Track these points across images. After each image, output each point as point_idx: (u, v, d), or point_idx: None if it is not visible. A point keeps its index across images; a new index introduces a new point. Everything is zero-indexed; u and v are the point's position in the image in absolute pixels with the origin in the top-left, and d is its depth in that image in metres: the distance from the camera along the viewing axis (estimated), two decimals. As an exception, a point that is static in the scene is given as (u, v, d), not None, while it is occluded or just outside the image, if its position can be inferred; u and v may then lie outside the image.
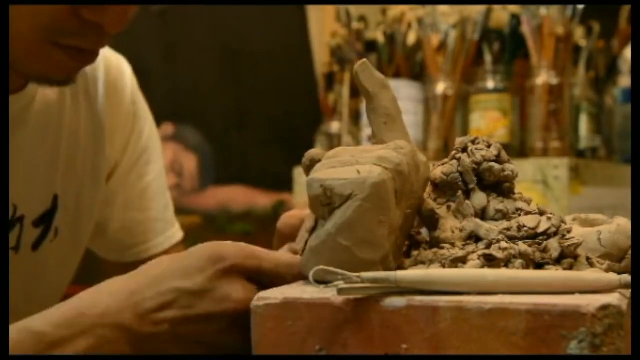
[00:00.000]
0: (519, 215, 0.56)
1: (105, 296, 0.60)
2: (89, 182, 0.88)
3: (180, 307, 0.59)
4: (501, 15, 1.61)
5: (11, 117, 0.74)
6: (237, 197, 2.20)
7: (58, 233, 0.84)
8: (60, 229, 0.84)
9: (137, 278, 0.61)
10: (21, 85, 0.77)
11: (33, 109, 0.79)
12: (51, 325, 0.58)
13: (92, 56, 0.71)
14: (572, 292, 0.49)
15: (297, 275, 0.59)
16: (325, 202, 0.52)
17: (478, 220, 0.55)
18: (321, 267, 0.51)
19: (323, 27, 2.32)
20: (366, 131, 1.65)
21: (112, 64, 0.94)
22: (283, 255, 0.62)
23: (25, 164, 0.79)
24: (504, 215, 0.56)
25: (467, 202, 0.57)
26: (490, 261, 0.51)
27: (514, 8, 1.59)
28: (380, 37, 1.76)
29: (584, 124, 1.62)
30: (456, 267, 0.52)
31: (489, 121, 1.51)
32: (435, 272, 0.50)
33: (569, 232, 0.55)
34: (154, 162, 0.98)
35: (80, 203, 0.87)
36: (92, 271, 0.98)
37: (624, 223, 0.59)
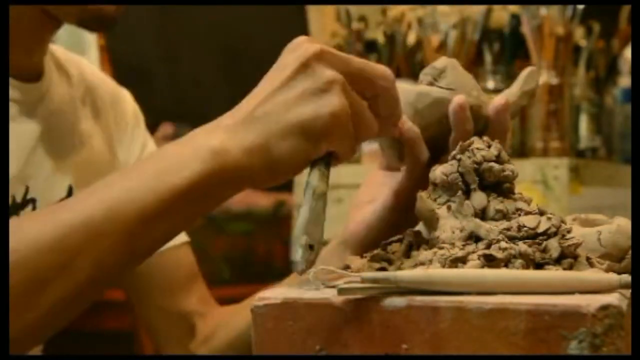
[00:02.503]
0: (519, 215, 0.56)
1: (189, 135, 0.60)
2: None
3: (276, 94, 0.58)
4: (501, 15, 1.61)
5: (26, 105, 0.79)
6: (237, 197, 2.20)
7: None
8: None
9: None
10: (37, 77, 0.82)
11: (46, 101, 0.83)
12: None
13: None
14: (572, 292, 0.49)
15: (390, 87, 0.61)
16: None
17: (478, 220, 0.55)
18: (321, 267, 0.51)
19: (323, 27, 2.32)
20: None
21: (113, 85, 0.98)
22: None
23: (38, 150, 0.81)
24: (504, 215, 0.56)
25: (467, 202, 0.57)
26: (490, 261, 0.51)
27: (514, 8, 1.59)
28: (380, 37, 1.76)
29: (584, 124, 1.62)
30: (456, 267, 0.52)
31: (488, 121, 1.51)
32: (435, 272, 0.50)
33: (569, 232, 0.55)
34: None
35: None
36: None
37: (624, 223, 0.59)
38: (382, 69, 0.61)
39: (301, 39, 0.60)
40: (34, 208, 0.80)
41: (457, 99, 0.65)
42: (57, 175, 0.84)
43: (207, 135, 0.58)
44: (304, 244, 0.55)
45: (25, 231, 0.56)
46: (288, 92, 0.58)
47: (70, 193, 0.85)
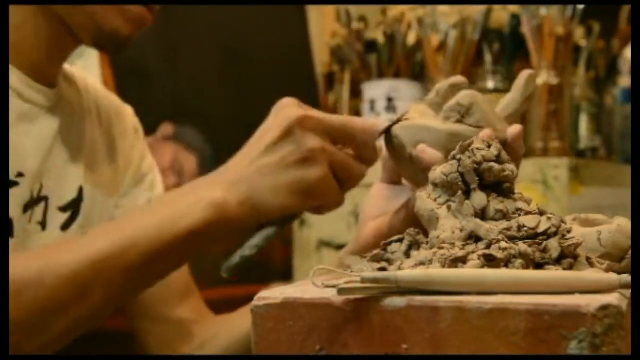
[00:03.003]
0: (519, 215, 0.56)
1: (188, 187, 0.72)
2: (105, 193, 0.93)
3: (254, 148, 0.70)
4: (501, 15, 1.61)
5: (46, 108, 0.84)
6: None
7: (87, 220, 0.88)
8: (88, 217, 0.89)
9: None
10: (54, 84, 0.86)
11: (61, 106, 0.87)
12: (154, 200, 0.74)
13: (152, 12, 0.83)
14: (572, 292, 0.49)
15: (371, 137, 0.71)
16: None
17: (478, 220, 0.55)
18: (321, 266, 0.51)
19: (323, 27, 2.32)
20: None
21: (116, 100, 1.01)
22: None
23: (54, 151, 0.85)
24: (504, 215, 0.56)
25: (467, 202, 0.57)
26: (490, 261, 0.51)
27: (514, 8, 1.59)
28: (380, 37, 1.76)
29: (584, 124, 1.62)
30: (456, 267, 0.52)
31: (488, 121, 1.50)
32: (435, 272, 0.50)
33: (569, 232, 0.55)
34: (159, 186, 1.01)
35: (93, 210, 0.89)
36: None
37: (624, 223, 0.59)
38: (362, 123, 0.72)
39: (286, 101, 0.71)
40: (46, 206, 0.83)
41: (514, 130, 0.71)
42: (69, 176, 0.87)
43: (208, 189, 0.69)
44: (244, 256, 0.68)
45: (49, 261, 0.65)
46: (273, 156, 0.69)
47: (80, 194, 0.88)
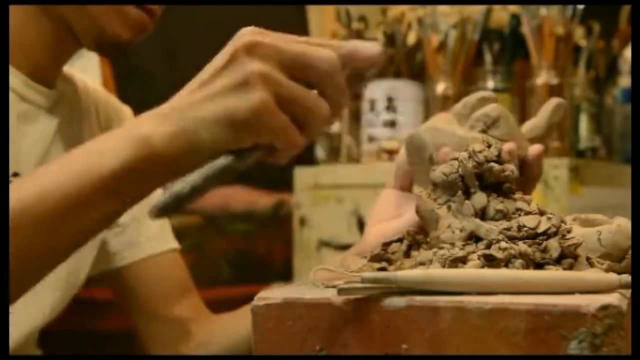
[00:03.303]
0: (519, 215, 0.56)
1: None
2: None
3: (200, 87, 0.60)
4: (501, 15, 1.61)
5: (46, 108, 0.84)
6: (237, 197, 2.20)
7: None
8: None
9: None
10: (53, 85, 0.85)
11: (60, 106, 0.87)
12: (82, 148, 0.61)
13: (153, 17, 0.81)
14: (572, 292, 0.49)
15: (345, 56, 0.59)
16: None
17: (478, 220, 0.55)
18: (321, 266, 0.51)
19: (323, 27, 2.32)
20: (366, 131, 1.65)
21: (115, 101, 1.01)
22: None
23: (52, 150, 0.85)
24: (504, 215, 0.56)
25: (467, 202, 0.57)
26: (490, 261, 0.51)
27: (514, 8, 1.59)
28: (380, 37, 1.76)
29: (584, 124, 1.62)
30: (456, 267, 0.52)
31: (488, 121, 1.51)
32: (435, 272, 0.50)
33: (569, 232, 0.55)
34: None
35: None
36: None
37: (624, 223, 0.59)
38: (323, 54, 0.59)
39: (245, 29, 0.60)
40: None
41: (536, 150, 0.71)
42: None
43: (136, 124, 0.61)
44: (173, 193, 0.58)
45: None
46: (213, 84, 0.59)
47: None
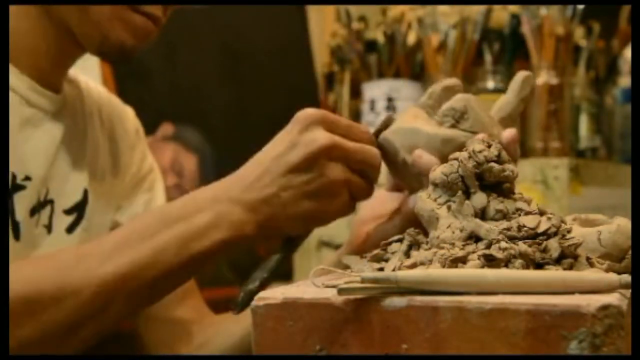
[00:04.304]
0: (519, 215, 0.56)
1: (209, 188, 0.71)
2: (108, 195, 0.94)
3: (277, 165, 0.69)
4: (501, 15, 1.61)
5: (52, 113, 0.85)
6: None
7: (91, 222, 0.89)
8: (91, 220, 0.89)
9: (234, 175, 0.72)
10: (58, 89, 0.87)
11: (65, 110, 0.88)
12: (171, 206, 0.70)
13: (157, 24, 0.83)
14: (572, 292, 0.49)
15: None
16: None
17: (478, 220, 0.55)
18: (321, 266, 0.51)
19: (323, 27, 2.32)
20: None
21: (118, 102, 1.02)
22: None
23: (59, 155, 0.85)
24: (504, 215, 0.56)
25: (467, 202, 0.57)
26: (490, 261, 0.51)
27: (514, 8, 1.59)
28: (380, 37, 1.76)
29: (584, 124, 1.62)
30: (456, 267, 0.52)
31: (488, 121, 1.50)
32: (435, 272, 0.50)
33: (569, 232, 0.55)
34: (158, 187, 1.01)
35: (96, 212, 0.89)
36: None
37: (624, 223, 0.59)
38: (370, 152, 0.72)
39: (312, 114, 0.70)
40: (51, 209, 0.84)
41: (509, 134, 0.72)
42: (73, 179, 0.87)
43: (229, 208, 0.69)
44: (248, 290, 0.68)
45: (66, 277, 0.66)
46: (296, 181, 0.69)
47: (85, 196, 0.88)
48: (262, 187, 0.69)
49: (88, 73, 1.02)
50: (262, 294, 0.52)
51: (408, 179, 0.73)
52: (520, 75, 0.74)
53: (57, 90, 0.87)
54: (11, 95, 0.80)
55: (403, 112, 0.76)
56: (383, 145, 0.73)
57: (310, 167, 0.68)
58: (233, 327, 0.95)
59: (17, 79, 0.81)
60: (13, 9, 0.81)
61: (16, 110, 0.79)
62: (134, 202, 0.99)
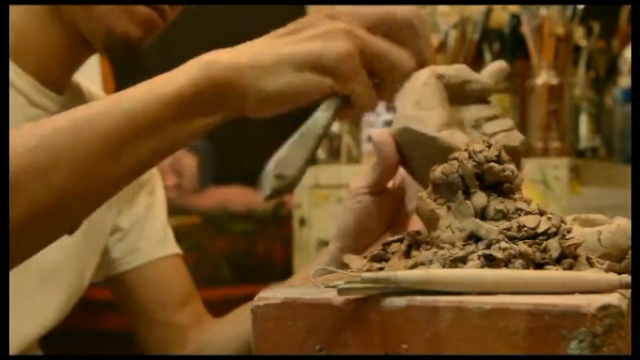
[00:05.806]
0: (519, 215, 0.56)
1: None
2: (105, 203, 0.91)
3: (278, 33, 0.60)
4: (501, 15, 1.61)
5: (52, 113, 0.81)
6: (237, 197, 2.20)
7: (90, 226, 0.88)
8: (91, 223, 0.87)
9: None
10: (61, 91, 0.86)
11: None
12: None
13: (163, 17, 0.80)
14: (572, 292, 0.49)
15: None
16: None
17: (478, 220, 0.55)
18: (321, 266, 0.51)
19: (323, 27, 2.32)
20: (366, 131, 1.65)
21: None
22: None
23: None
24: (504, 215, 0.56)
25: (467, 202, 0.57)
26: (490, 261, 0.51)
27: (514, 8, 1.59)
28: (380, 37, 1.75)
29: (584, 124, 1.62)
30: (456, 267, 0.52)
31: (488, 121, 1.50)
32: (435, 272, 0.50)
33: (569, 232, 0.55)
34: (159, 191, 1.01)
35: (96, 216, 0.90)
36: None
37: (624, 223, 0.59)
38: (404, 7, 0.59)
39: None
40: None
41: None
42: None
43: (209, 54, 0.59)
44: (274, 174, 0.56)
45: (19, 136, 0.56)
46: (296, 35, 0.59)
47: None
48: (251, 42, 0.60)
49: (88, 71, 1.02)
50: (262, 294, 0.52)
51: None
52: (496, 65, 0.68)
53: (61, 92, 0.87)
54: (15, 95, 0.79)
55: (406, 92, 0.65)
56: (403, 136, 0.65)
57: (309, 22, 0.60)
58: (228, 332, 0.95)
59: (20, 79, 0.80)
60: (21, 9, 0.81)
61: (20, 110, 0.79)
62: (134, 206, 0.98)
